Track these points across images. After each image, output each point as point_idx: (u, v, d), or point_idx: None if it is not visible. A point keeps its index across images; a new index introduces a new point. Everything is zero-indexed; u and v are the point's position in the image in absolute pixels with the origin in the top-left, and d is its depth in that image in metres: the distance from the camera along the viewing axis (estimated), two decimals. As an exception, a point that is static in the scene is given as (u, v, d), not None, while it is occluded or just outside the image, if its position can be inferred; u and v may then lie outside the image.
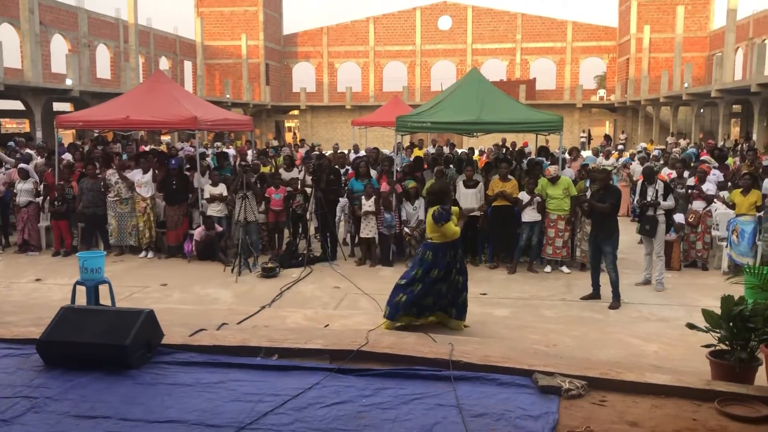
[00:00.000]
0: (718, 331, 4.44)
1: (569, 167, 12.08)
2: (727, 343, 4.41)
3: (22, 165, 11.48)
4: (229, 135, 31.96)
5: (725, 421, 3.81)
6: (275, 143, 35.82)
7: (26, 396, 4.21)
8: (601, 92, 47.66)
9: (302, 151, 20.26)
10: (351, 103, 45.64)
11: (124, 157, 13.24)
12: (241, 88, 43.90)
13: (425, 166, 12.10)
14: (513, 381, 4.43)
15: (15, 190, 11.20)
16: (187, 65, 45.77)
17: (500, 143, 19.26)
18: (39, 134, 24.80)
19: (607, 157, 16.46)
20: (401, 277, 6.56)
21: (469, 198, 9.84)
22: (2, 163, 12.64)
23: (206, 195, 10.52)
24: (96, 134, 20.97)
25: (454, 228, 6.30)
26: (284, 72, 50.13)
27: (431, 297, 6.31)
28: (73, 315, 4.93)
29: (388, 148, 22.69)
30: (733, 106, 32.70)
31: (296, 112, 48.55)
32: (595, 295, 8.20)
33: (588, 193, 9.61)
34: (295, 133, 49.08)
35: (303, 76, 49.81)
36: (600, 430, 3.72)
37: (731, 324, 4.36)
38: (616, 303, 7.87)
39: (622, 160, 16.39)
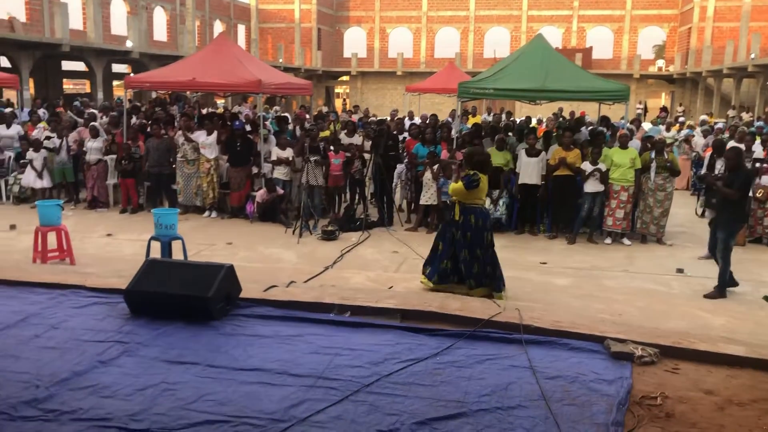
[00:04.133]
0: (795, 305, 4.41)
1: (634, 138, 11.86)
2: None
3: (93, 124, 11.85)
4: (281, 99, 32.16)
5: (803, 393, 3.81)
6: (325, 109, 35.95)
7: (119, 341, 4.47)
8: (660, 63, 46.22)
9: (355, 117, 20.33)
10: (402, 69, 45.35)
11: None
12: (293, 53, 44.02)
13: (482, 133, 12.03)
14: (584, 346, 4.49)
15: (85, 149, 11.57)
16: (241, 29, 46.03)
17: (558, 112, 18.98)
18: (100, 95, 25.43)
19: (668, 130, 16.09)
20: None
21: (531, 167, 9.80)
22: (78, 124, 12.97)
23: (273, 157, 10.72)
24: (155, 96, 21.44)
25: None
26: (336, 37, 49.99)
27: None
28: (158, 267, 5.17)
29: (440, 115, 22.54)
30: (802, 80, 31.42)
31: (346, 78, 48.47)
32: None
33: (653, 166, 9.48)
34: (344, 100, 49.08)
35: (354, 42, 49.62)
36: (675, 396, 3.77)
37: (809, 298, 4.32)
38: (716, 293, 7.02)
39: (683, 132, 15.99)
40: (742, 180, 7.13)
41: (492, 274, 6.38)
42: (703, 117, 20.71)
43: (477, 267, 6.31)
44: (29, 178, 11.46)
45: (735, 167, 7.24)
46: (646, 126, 16.77)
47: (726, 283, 7.14)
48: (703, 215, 8.08)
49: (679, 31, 45.18)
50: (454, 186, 6.34)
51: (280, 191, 10.55)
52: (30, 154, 11.46)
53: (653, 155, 9.54)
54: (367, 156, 10.95)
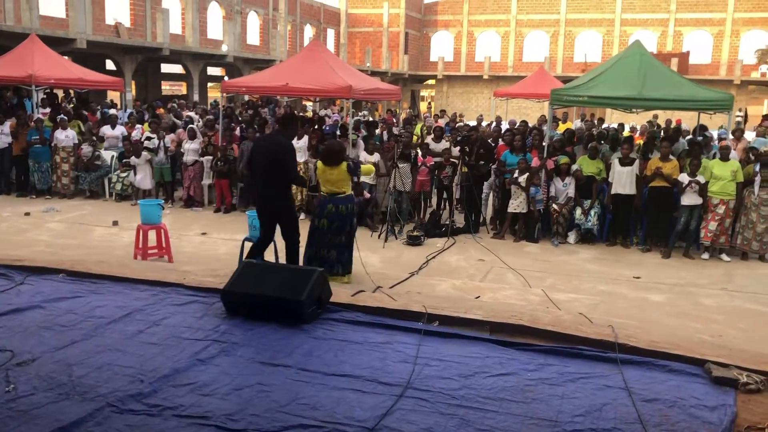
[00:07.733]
0: None
1: (733, 149, 11.30)
2: None
3: (191, 126, 12.35)
4: (367, 104, 32.50)
5: None
6: (410, 113, 36.02)
7: (215, 340, 4.62)
8: (763, 68, 43.77)
9: (441, 122, 20.29)
10: (489, 73, 44.96)
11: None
12: (380, 57, 44.44)
13: (575, 139, 11.75)
14: (683, 369, 4.30)
15: (182, 149, 12.07)
16: (330, 33, 46.86)
17: (652, 119, 18.33)
18: (195, 97, 26.45)
19: (772, 139, 15.19)
20: None
21: (623, 176, 9.50)
22: (176, 126, 13.56)
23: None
24: (247, 99, 22.08)
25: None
26: (423, 41, 50.11)
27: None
28: (253, 269, 5.32)
29: (528, 120, 22.17)
30: None
31: (432, 81, 48.48)
32: None
33: (757, 179, 9.02)
34: (429, 103, 49.08)
35: (441, 46, 49.60)
36: (785, 429, 3.56)
37: None
38: None
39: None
40: None
41: (332, 259, 7.11)
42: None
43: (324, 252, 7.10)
44: (143, 182, 12.09)
45: None
46: (749, 136, 15.89)
47: None
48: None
49: (786, 34, 42.73)
50: None
51: (367, 195, 10.67)
52: (133, 160, 12.05)
53: (758, 168, 9.07)
54: (456, 162, 10.93)
